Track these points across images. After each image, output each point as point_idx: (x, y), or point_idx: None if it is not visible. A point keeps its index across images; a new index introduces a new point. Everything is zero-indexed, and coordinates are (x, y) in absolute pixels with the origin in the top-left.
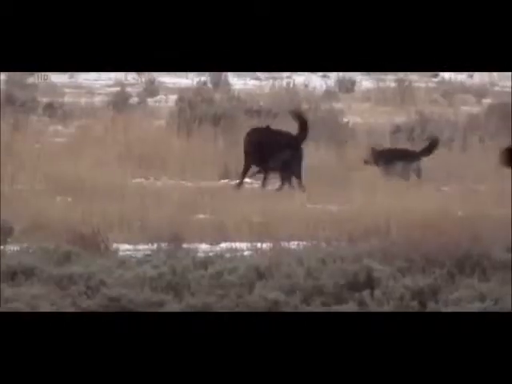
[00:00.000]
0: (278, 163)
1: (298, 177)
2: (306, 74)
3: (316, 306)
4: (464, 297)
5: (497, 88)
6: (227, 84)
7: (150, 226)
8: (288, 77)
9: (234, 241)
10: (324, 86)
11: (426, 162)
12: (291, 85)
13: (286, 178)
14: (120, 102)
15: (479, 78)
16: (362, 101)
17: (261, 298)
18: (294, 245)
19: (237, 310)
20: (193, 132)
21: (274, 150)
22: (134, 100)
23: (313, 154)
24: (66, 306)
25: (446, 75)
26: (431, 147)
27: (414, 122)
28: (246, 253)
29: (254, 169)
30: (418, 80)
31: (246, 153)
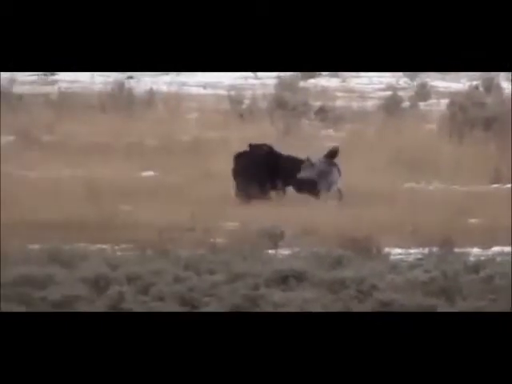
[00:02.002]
0: None
1: None
2: None
3: None
4: None
5: None
6: (499, 88)
7: (421, 230)
8: None
9: (506, 245)
10: None
11: None
12: None
13: None
14: (392, 106)
15: None
16: None
17: None
18: None
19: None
20: (464, 136)
21: None
22: (406, 104)
23: None
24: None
25: None
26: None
27: None
28: None
29: None
30: None
31: None
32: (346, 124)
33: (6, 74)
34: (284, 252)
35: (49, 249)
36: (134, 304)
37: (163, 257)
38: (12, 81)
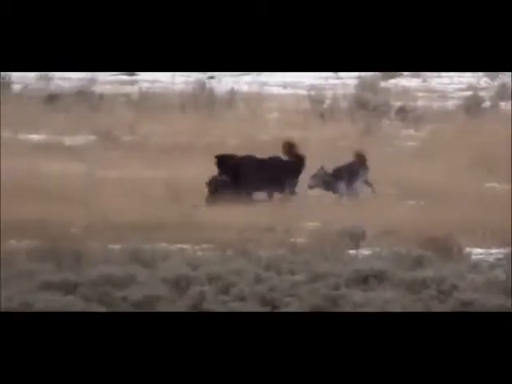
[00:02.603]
0: None
1: None
2: None
3: None
4: None
5: None
6: None
7: (502, 229)
8: None
9: None
10: None
11: None
12: None
13: None
14: (472, 106)
15: None
16: None
17: None
18: None
19: None
20: None
21: None
22: (487, 104)
23: None
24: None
25: None
26: None
27: None
28: None
29: None
30: None
31: None
32: (427, 124)
33: (87, 74)
34: (365, 252)
35: (130, 249)
36: (215, 304)
37: (244, 257)
38: (93, 81)
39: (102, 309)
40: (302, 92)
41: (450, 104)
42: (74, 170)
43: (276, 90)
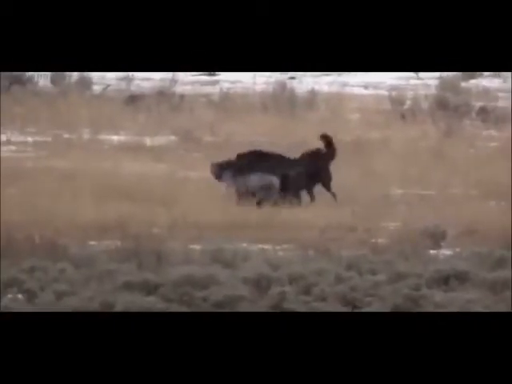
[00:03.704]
0: None
1: None
2: None
3: None
4: None
5: None
6: None
7: None
8: None
9: None
10: None
11: None
12: None
13: None
14: None
15: None
16: None
17: None
18: None
19: None
20: None
21: None
22: None
23: None
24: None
25: None
26: None
27: None
28: None
29: None
30: None
31: None
32: (508, 124)
33: (167, 74)
34: (446, 252)
35: (211, 249)
36: (296, 304)
37: (325, 257)
38: (174, 81)
39: (183, 309)
40: (383, 92)
41: None
42: (154, 170)
43: (357, 91)
